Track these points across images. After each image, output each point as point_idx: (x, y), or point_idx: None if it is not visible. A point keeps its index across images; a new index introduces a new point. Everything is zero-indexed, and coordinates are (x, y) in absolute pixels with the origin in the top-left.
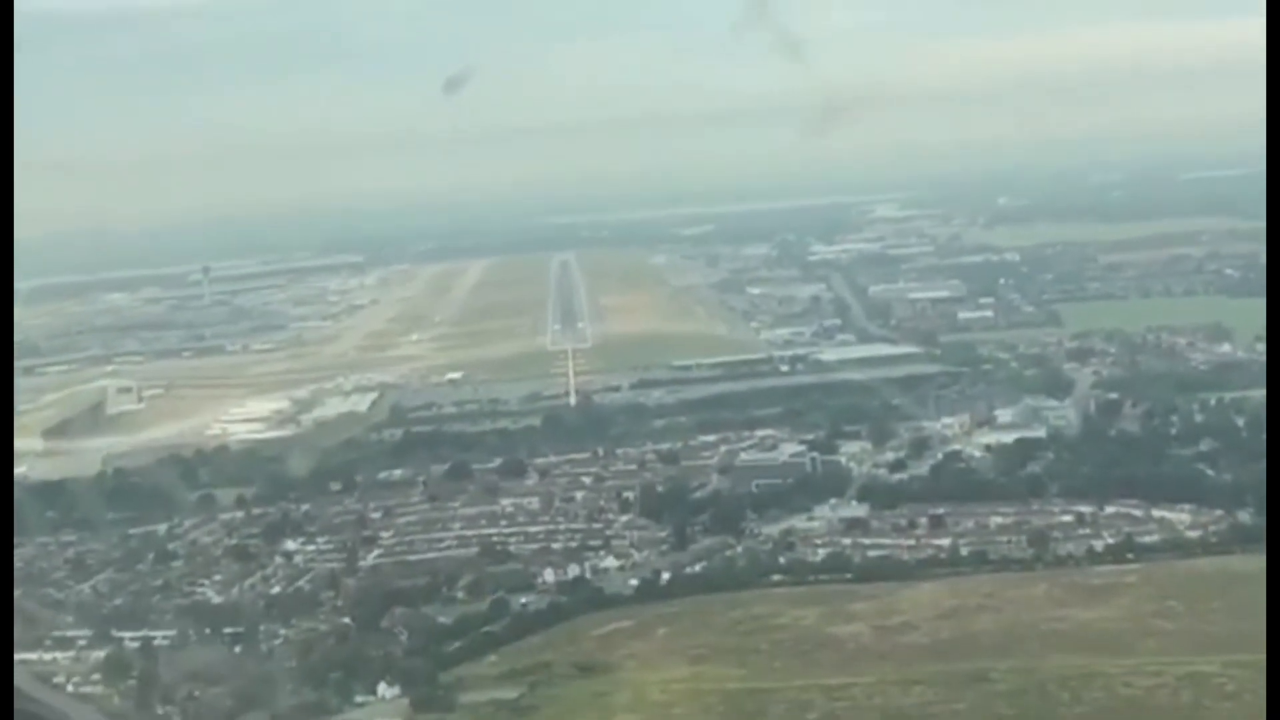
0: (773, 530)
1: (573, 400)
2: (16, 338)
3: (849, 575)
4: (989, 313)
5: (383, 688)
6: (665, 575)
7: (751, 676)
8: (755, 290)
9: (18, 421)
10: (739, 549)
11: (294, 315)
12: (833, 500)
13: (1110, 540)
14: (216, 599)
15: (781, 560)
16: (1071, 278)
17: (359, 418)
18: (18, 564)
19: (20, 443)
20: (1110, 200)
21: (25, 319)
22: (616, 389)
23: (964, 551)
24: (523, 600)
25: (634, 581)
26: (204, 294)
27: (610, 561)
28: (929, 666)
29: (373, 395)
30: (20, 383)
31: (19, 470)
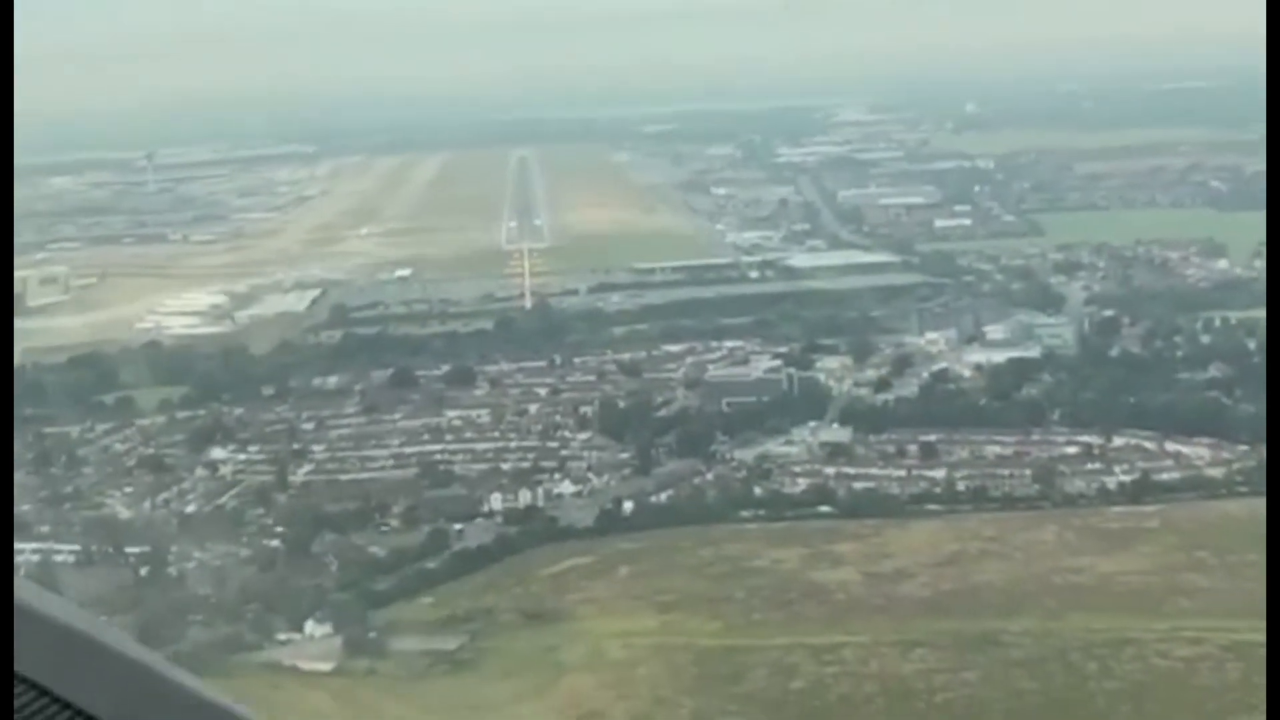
0: (746, 455)
1: (528, 303)
2: None
3: (833, 510)
4: (966, 220)
5: (311, 625)
6: (627, 505)
7: (727, 631)
8: (720, 191)
9: None
10: (709, 476)
11: (238, 205)
12: (812, 423)
13: (1123, 477)
14: (125, 513)
15: (757, 491)
16: (1049, 186)
17: (298, 317)
18: None
19: None
20: (1081, 109)
21: None
22: (574, 292)
23: (961, 486)
24: (466, 530)
25: (592, 511)
26: (148, 180)
27: (566, 487)
28: (930, 624)
29: (314, 293)
30: None
31: None
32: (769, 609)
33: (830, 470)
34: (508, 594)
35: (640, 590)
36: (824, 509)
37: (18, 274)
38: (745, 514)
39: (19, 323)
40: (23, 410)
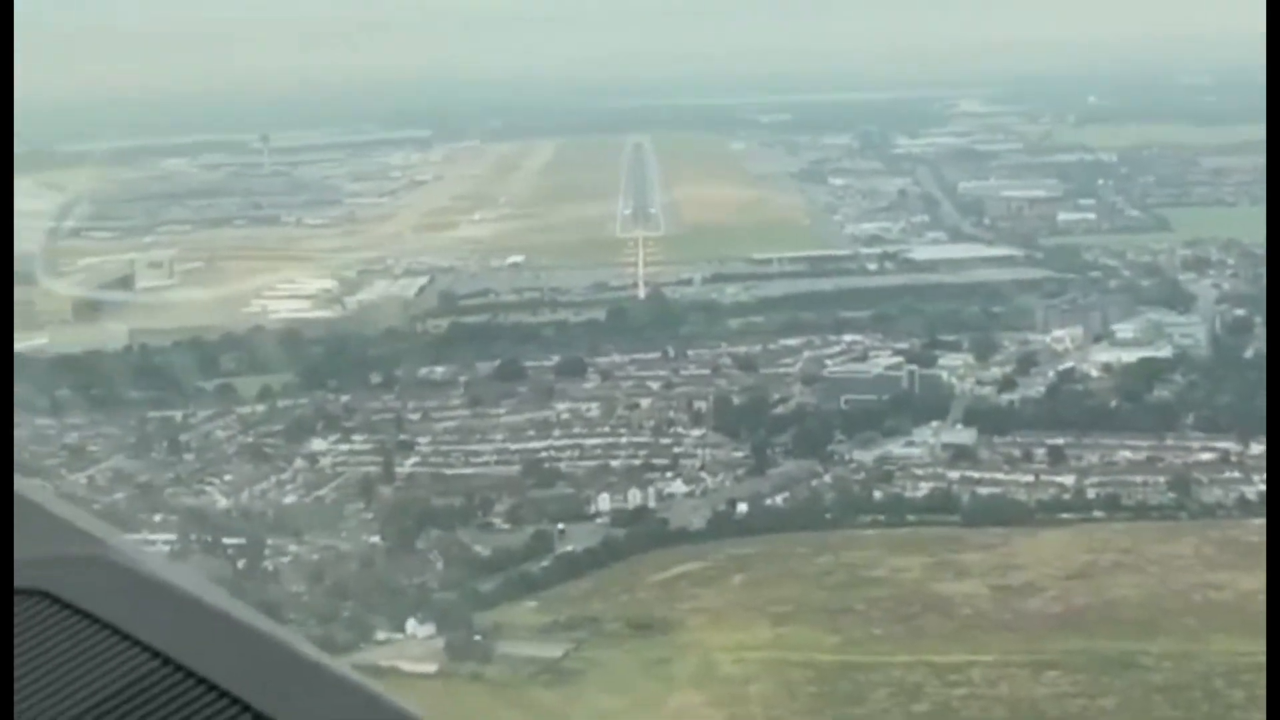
0: (866, 457)
1: (641, 292)
2: (64, 199)
3: (956, 517)
4: (1091, 215)
5: (413, 625)
6: (741, 507)
7: (846, 645)
8: (838, 181)
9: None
10: (827, 478)
11: (352, 190)
12: (934, 423)
13: (1264, 488)
14: (224, 502)
15: (877, 495)
16: (1174, 180)
17: (406, 303)
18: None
19: (52, 305)
20: (1203, 103)
21: (73, 182)
22: (689, 282)
23: (1091, 493)
24: (572, 530)
25: (705, 513)
26: (264, 162)
27: (678, 486)
28: (1063, 643)
29: (423, 279)
30: (62, 245)
31: (40, 342)
32: (890, 622)
33: (953, 474)
34: (614, 601)
35: (754, 599)
36: (948, 516)
37: (127, 255)
38: (864, 519)
39: (129, 300)
40: (126, 393)
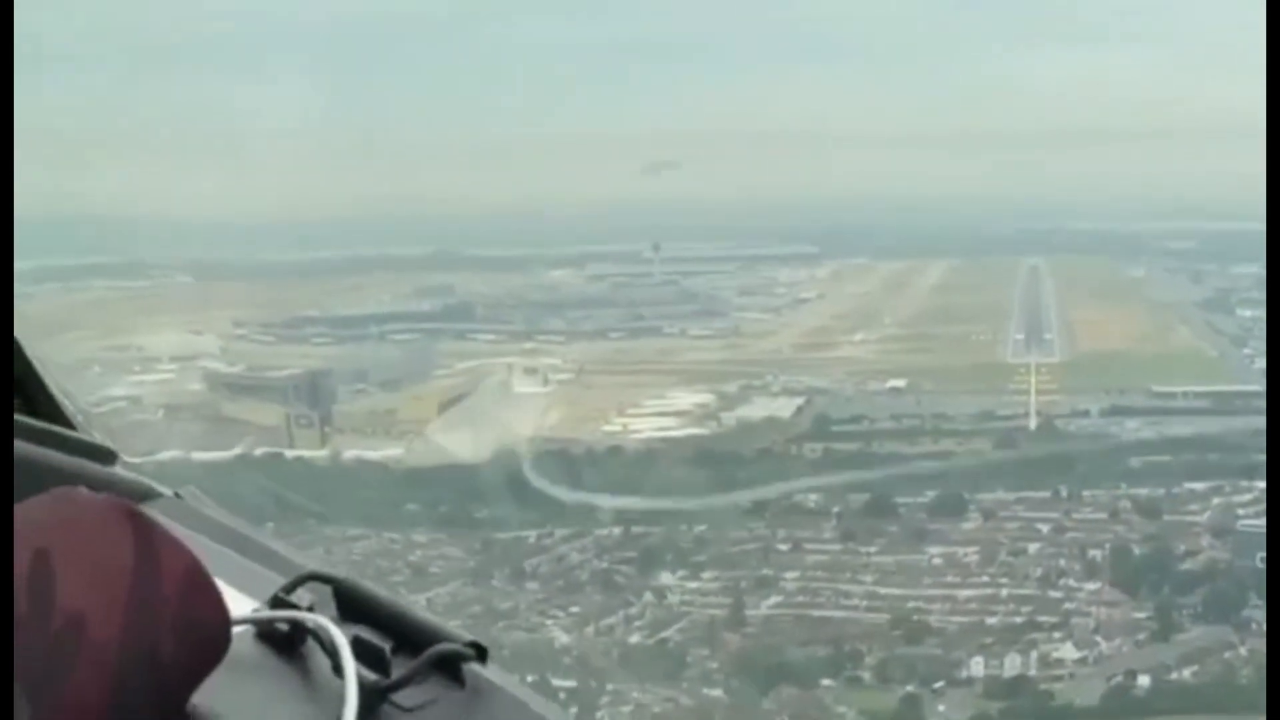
0: None
1: (1032, 424)
2: (453, 300)
3: None
4: None
5: None
6: (1143, 679)
7: None
8: (1246, 313)
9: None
10: (1242, 650)
11: (736, 304)
12: None
13: None
14: (564, 638)
15: None
16: None
17: (781, 424)
18: (355, 565)
19: (415, 412)
20: None
21: (463, 284)
22: (1085, 414)
23: None
24: (941, 702)
25: (1098, 686)
26: (653, 272)
27: (1067, 651)
28: None
29: (799, 400)
30: (440, 345)
31: (395, 453)
32: None
33: None
34: None
35: None
36: None
37: (506, 360)
38: None
39: (506, 414)
40: (479, 511)
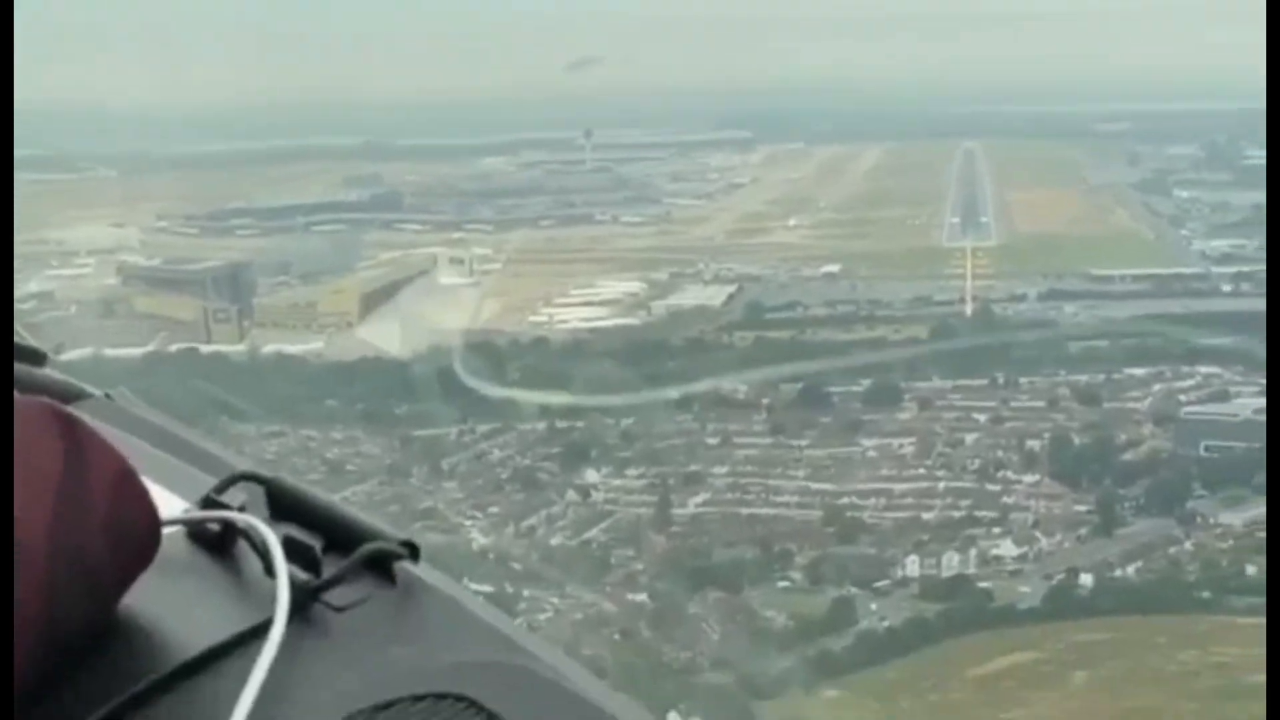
0: (1234, 520)
1: (969, 309)
2: (382, 190)
3: None
4: None
5: (674, 718)
6: (1085, 578)
7: None
8: (1183, 193)
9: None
10: (1187, 545)
11: (669, 190)
12: None
13: None
14: (482, 540)
15: (1250, 569)
16: None
17: (711, 312)
18: (271, 465)
19: (335, 305)
20: None
21: (393, 174)
22: (1022, 298)
23: None
24: (874, 602)
25: (1039, 585)
26: (585, 159)
27: (1007, 548)
28: None
29: (731, 288)
30: (367, 236)
31: (316, 347)
32: None
33: None
34: (923, 700)
35: (1103, 708)
36: None
37: (430, 250)
38: (1237, 602)
39: (428, 306)
40: (398, 406)
